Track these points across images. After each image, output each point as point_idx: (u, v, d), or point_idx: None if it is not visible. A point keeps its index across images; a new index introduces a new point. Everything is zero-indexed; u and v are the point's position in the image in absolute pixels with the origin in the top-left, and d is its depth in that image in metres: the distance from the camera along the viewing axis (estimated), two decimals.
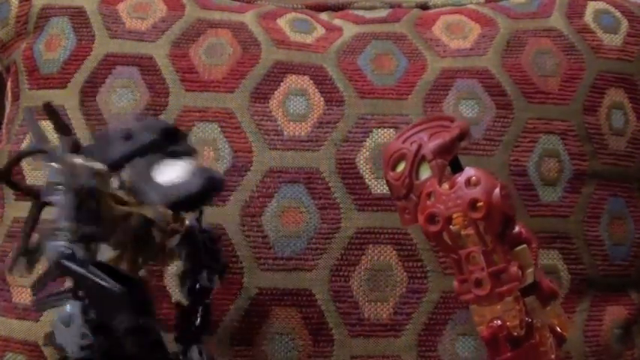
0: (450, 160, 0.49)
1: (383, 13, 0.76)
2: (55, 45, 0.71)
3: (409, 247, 0.65)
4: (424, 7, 0.79)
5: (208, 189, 0.50)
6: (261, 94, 0.68)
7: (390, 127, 0.67)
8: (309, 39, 0.71)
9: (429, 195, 0.48)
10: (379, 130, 0.67)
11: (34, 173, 0.68)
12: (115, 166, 0.51)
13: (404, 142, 0.50)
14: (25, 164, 0.69)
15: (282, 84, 0.68)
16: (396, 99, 0.68)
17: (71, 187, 0.48)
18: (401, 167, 0.50)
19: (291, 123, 0.67)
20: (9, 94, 0.74)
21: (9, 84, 0.74)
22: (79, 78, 0.69)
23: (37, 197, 0.54)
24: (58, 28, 0.71)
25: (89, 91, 0.68)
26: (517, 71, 0.69)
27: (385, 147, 0.52)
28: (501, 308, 0.47)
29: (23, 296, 0.67)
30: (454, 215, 0.47)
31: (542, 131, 0.68)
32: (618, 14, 0.74)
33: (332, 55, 0.70)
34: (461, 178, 0.47)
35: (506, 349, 0.47)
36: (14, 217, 0.68)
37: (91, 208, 0.48)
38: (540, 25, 0.73)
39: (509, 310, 0.46)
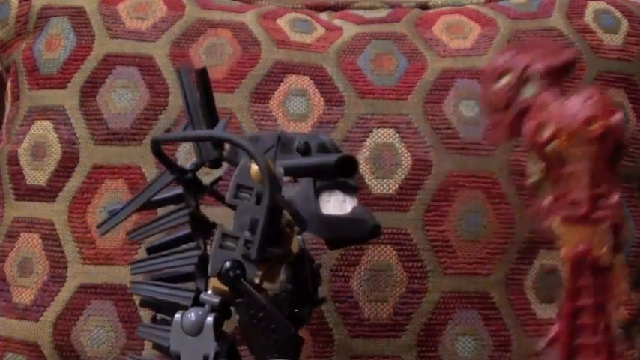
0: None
1: (383, 13, 0.76)
2: (55, 45, 0.70)
3: (409, 247, 0.65)
4: (424, 7, 0.79)
5: (368, 237, 0.47)
6: (261, 94, 0.68)
7: (390, 127, 0.67)
8: (309, 39, 0.71)
9: (540, 107, 0.46)
10: (379, 130, 0.67)
11: (34, 173, 0.68)
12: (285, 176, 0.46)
13: (512, 57, 0.49)
14: (25, 164, 0.69)
15: (282, 84, 0.68)
16: (395, 99, 0.68)
17: (268, 199, 0.42)
18: (505, 80, 0.48)
19: (291, 123, 0.67)
20: (9, 94, 0.74)
21: (9, 84, 0.74)
22: (79, 78, 0.69)
23: (174, 172, 0.49)
24: (58, 28, 0.71)
25: (89, 91, 0.68)
26: None
27: (490, 60, 0.50)
28: (590, 233, 0.45)
29: (23, 296, 0.67)
30: (564, 132, 0.44)
31: None
32: (618, 14, 0.74)
33: (332, 55, 0.70)
34: (580, 96, 0.45)
35: (587, 277, 0.45)
36: (14, 217, 0.68)
37: (279, 227, 0.44)
38: (540, 25, 0.72)
39: (598, 238, 0.45)
